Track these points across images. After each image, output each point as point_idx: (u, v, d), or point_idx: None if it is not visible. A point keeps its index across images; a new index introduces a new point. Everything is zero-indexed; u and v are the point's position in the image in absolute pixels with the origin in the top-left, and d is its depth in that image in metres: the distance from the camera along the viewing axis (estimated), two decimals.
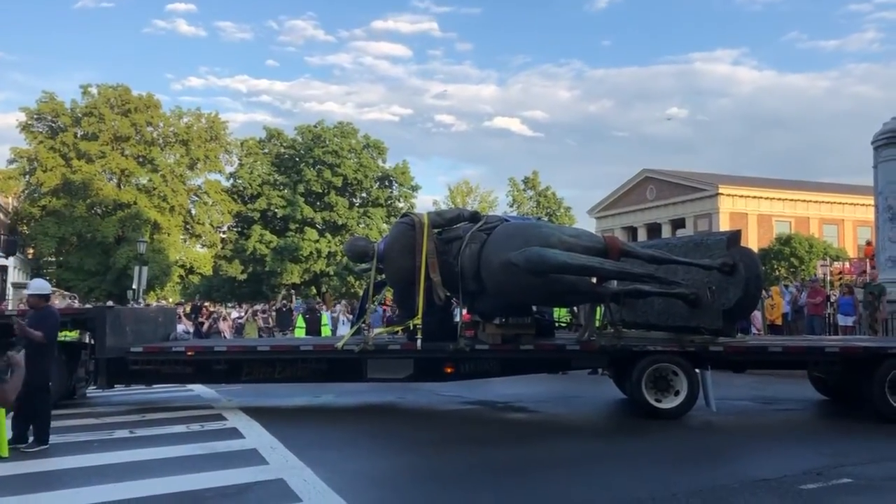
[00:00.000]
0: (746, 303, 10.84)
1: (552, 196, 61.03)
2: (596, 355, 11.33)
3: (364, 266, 12.53)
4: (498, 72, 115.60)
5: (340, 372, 11.58)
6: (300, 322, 19.28)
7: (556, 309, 13.74)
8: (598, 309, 11.79)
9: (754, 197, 49.88)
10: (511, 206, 60.99)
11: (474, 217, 11.89)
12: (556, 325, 13.49)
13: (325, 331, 18.93)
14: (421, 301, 10.99)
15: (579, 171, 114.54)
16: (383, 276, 12.00)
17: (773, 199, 50.44)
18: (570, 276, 10.41)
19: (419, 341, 11.03)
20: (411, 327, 11.27)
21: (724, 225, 48.07)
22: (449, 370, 11.37)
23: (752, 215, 49.55)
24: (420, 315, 11.01)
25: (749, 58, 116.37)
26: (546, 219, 59.13)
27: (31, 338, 8.54)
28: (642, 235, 52.18)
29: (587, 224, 60.23)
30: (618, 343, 10.92)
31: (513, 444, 9.02)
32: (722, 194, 48.77)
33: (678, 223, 51.07)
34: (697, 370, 10.78)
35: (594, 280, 10.90)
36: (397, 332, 12.03)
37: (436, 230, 11.49)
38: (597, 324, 11.67)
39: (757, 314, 18.83)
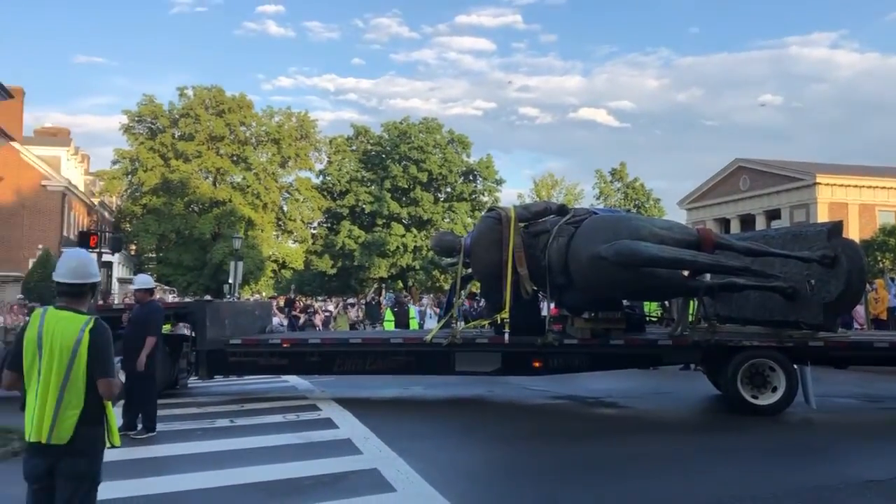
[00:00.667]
0: (849, 296, 10.38)
1: (640, 188, 59.80)
2: (689, 350, 11.09)
3: (451, 260, 12.63)
4: (583, 62, 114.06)
5: (429, 365, 11.72)
6: (388, 315, 19.60)
7: (646, 303, 13.51)
8: (692, 303, 11.52)
9: (855, 186, 47.45)
10: (598, 199, 60.07)
11: (562, 210, 11.81)
12: (647, 319, 13.26)
13: (413, 324, 19.18)
14: (508, 295, 10.99)
15: (668, 161, 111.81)
16: (470, 270, 12.06)
17: (876, 187, 47.86)
18: (661, 270, 10.22)
19: (507, 335, 11.04)
20: (498, 321, 11.30)
21: (823, 216, 45.94)
22: (537, 364, 11.35)
23: (852, 205, 47.17)
24: (507, 309, 11.01)
25: (849, 40, 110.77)
26: (635, 211, 58.03)
27: (146, 352, 8.97)
28: (735, 227, 50.50)
29: (677, 216, 58.78)
30: (712, 338, 10.66)
31: (604, 440, 8.95)
32: (820, 184, 46.61)
33: (773, 214, 49.16)
34: (796, 366, 10.42)
35: (687, 273, 10.66)
36: (485, 325, 12.07)
37: (522, 224, 11.47)
38: (690, 318, 11.41)
39: (859, 308, 17.98)
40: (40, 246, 35.94)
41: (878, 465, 7.31)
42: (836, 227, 10.65)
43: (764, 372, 10.39)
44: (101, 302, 21.67)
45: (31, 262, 33.46)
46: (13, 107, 39.06)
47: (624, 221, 10.88)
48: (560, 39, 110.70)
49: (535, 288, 11.27)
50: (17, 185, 39.37)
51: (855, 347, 10.99)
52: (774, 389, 10.32)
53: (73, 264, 3.94)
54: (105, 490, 6.19)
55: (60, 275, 3.92)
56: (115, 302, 24.73)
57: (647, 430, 9.64)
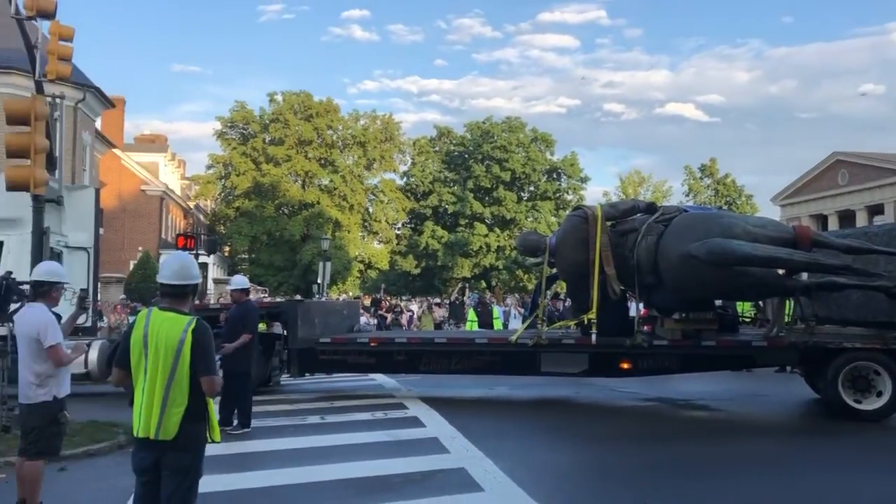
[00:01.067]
0: None
1: (732, 184, 57.96)
2: (785, 352, 10.69)
3: (536, 260, 12.55)
4: (670, 56, 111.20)
5: (514, 365, 11.69)
6: (471, 315, 19.62)
7: (740, 303, 13.09)
8: (787, 303, 11.10)
9: None
10: (687, 196, 58.55)
11: (650, 208, 11.58)
12: (741, 320, 12.85)
13: (497, 324, 19.15)
14: (595, 295, 10.85)
15: (761, 156, 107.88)
16: (555, 270, 11.97)
17: None
18: (756, 269, 9.89)
19: (594, 336, 10.90)
20: (585, 322, 11.17)
21: None
22: (625, 366, 11.16)
23: None
24: (594, 310, 10.87)
25: None
26: (726, 208, 56.30)
27: (236, 345, 9.29)
28: (833, 224, 48.32)
29: (771, 212, 56.61)
30: (810, 339, 10.24)
31: (695, 443, 8.73)
32: None
33: (875, 210, 46.76)
34: None
35: (782, 272, 10.27)
36: (571, 326, 11.95)
37: (609, 222, 11.30)
38: (786, 319, 11.00)
39: None
40: (140, 248, 37.69)
41: None
42: None
43: (868, 375, 9.92)
44: (197, 302, 22.56)
45: (131, 264, 35.15)
46: (115, 116, 41.15)
47: (715, 219, 10.59)
48: (646, 34, 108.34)
49: (623, 288, 11.09)
50: (119, 189, 41.38)
51: None
52: (879, 394, 9.85)
53: (176, 267, 4.12)
54: (202, 484, 6.46)
55: (164, 276, 4.10)
56: (211, 302, 25.67)
57: (740, 434, 9.35)
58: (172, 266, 4.13)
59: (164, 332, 3.93)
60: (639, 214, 11.47)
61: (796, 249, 9.90)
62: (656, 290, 11.01)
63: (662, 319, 11.25)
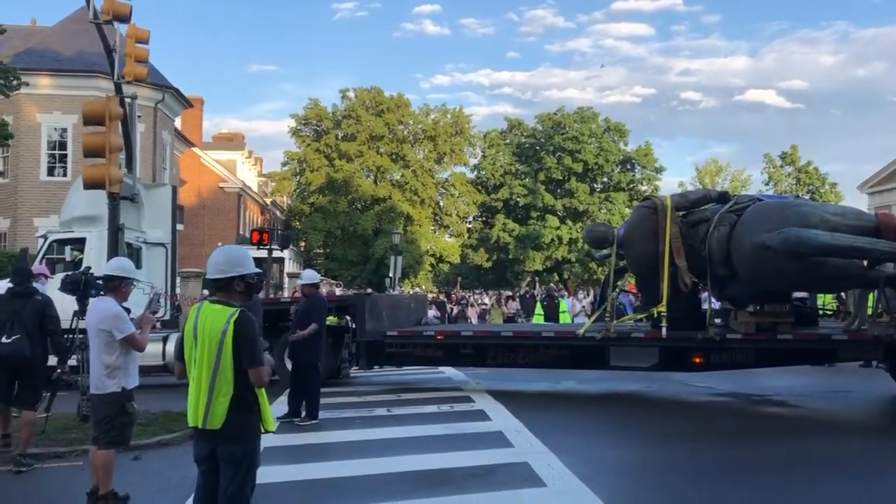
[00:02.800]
0: None
1: (814, 172, 55.70)
2: (868, 346, 10.21)
3: (604, 252, 12.33)
4: (749, 42, 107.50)
5: (582, 359, 11.54)
6: (538, 309, 19.42)
7: (819, 295, 12.57)
8: (871, 295, 10.59)
9: None
10: (767, 185, 56.58)
11: (723, 197, 11.20)
12: (821, 312, 12.33)
13: (564, 317, 18.90)
14: (665, 287, 10.57)
15: (847, 143, 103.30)
16: (624, 262, 11.73)
17: None
18: (835, 259, 9.46)
19: (664, 329, 10.62)
20: (655, 315, 10.90)
21: None
22: (698, 360, 10.87)
23: None
24: (664, 302, 10.60)
25: None
26: (807, 197, 54.20)
27: (305, 334, 9.45)
28: None
29: (858, 202, 54.15)
30: (894, 333, 9.73)
31: (772, 441, 8.40)
32: None
33: None
34: None
35: (865, 263, 9.80)
36: (641, 319, 11.70)
37: (680, 213, 10.99)
38: (868, 311, 10.49)
39: None
40: (219, 243, 38.72)
41: None
42: None
43: None
44: (271, 296, 23.07)
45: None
46: (194, 115, 42.50)
47: (791, 208, 10.17)
48: (724, 19, 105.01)
49: (695, 280, 10.77)
50: (198, 187, 42.70)
51: None
52: None
53: (218, 260, 4.19)
54: (269, 474, 6.61)
55: (208, 271, 4.20)
56: (285, 296, 26.22)
57: (819, 433, 8.97)
58: (212, 260, 4.20)
59: (209, 323, 4.00)
60: (710, 204, 11.13)
61: (880, 238, 9.42)
62: (729, 282, 10.65)
63: (736, 312, 10.88)
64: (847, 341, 10.26)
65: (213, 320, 4.00)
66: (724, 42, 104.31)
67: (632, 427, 9.39)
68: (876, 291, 10.40)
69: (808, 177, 55.10)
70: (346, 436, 8.64)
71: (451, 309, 21.75)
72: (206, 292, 19.68)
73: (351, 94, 50.65)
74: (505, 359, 11.78)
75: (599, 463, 7.34)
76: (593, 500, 5.94)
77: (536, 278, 43.00)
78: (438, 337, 12.14)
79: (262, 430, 4.13)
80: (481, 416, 9.77)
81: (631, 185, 54.01)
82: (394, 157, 50.47)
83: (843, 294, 12.48)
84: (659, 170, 54.95)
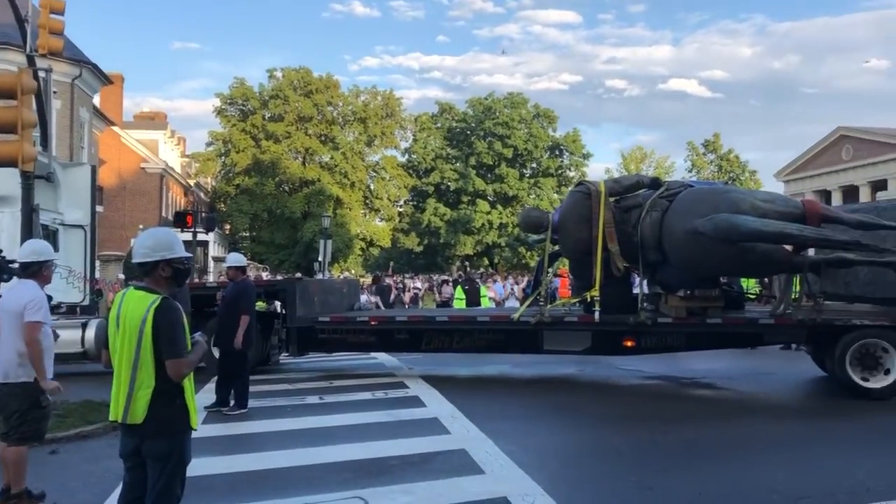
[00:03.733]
0: None
1: (735, 159, 57.54)
2: (792, 330, 10.49)
3: (539, 237, 12.32)
4: (672, 31, 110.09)
5: (517, 343, 11.52)
6: (459, 293, 19.31)
7: (744, 280, 12.88)
8: (795, 280, 10.89)
9: None
10: (690, 172, 58.17)
11: (655, 183, 11.33)
12: (745, 296, 12.64)
13: (485, 302, 18.86)
14: (598, 272, 10.64)
15: (764, 132, 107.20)
16: (558, 246, 11.75)
17: None
18: (763, 245, 9.66)
19: (597, 313, 10.70)
20: (588, 299, 10.97)
21: None
22: (629, 344, 10.98)
23: None
24: (597, 287, 10.66)
25: None
26: (730, 183, 55.85)
27: (240, 332, 9.11)
28: (837, 199, 47.96)
29: (774, 188, 56.22)
30: (818, 317, 10.03)
31: (701, 423, 8.54)
32: None
33: (879, 185, 46.40)
34: None
35: (791, 248, 10.05)
36: (574, 303, 11.76)
37: (613, 198, 11.06)
38: (793, 296, 10.79)
39: None
40: (141, 226, 37.49)
41: None
42: None
43: (876, 353, 9.73)
44: (196, 280, 22.40)
45: (131, 242, 34.93)
46: (114, 93, 40.78)
47: (722, 194, 10.34)
48: (648, 9, 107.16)
49: (627, 265, 10.87)
50: (118, 167, 41.10)
51: None
52: (888, 372, 9.67)
53: (140, 243, 3.91)
54: (197, 467, 6.24)
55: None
56: (210, 280, 25.52)
57: (747, 414, 9.18)
58: (141, 242, 3.91)
59: (130, 311, 3.74)
60: (643, 190, 11.22)
61: (805, 225, 9.66)
62: (661, 267, 10.80)
63: (667, 297, 11.04)
64: (773, 325, 10.50)
65: (134, 308, 3.72)
66: (648, 31, 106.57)
67: (566, 411, 9.42)
68: (800, 276, 10.72)
69: (729, 164, 56.88)
70: (277, 425, 8.39)
71: (396, 293, 21.50)
72: (121, 276, 18.91)
73: (279, 74, 49.61)
74: (440, 344, 11.68)
75: (537, 448, 7.31)
76: (532, 487, 5.89)
77: (467, 263, 43.14)
78: (372, 323, 11.94)
79: (189, 427, 3.87)
80: (416, 402, 9.65)
81: (559, 171, 54.71)
82: (323, 138, 49.72)
83: (766, 279, 12.82)
84: (586, 156, 55.88)
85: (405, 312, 14.85)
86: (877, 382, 9.68)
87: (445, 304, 20.31)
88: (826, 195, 49.49)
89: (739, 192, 10.81)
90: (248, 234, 51.74)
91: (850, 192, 48.26)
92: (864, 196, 45.83)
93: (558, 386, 11.45)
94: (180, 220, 19.74)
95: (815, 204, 10.50)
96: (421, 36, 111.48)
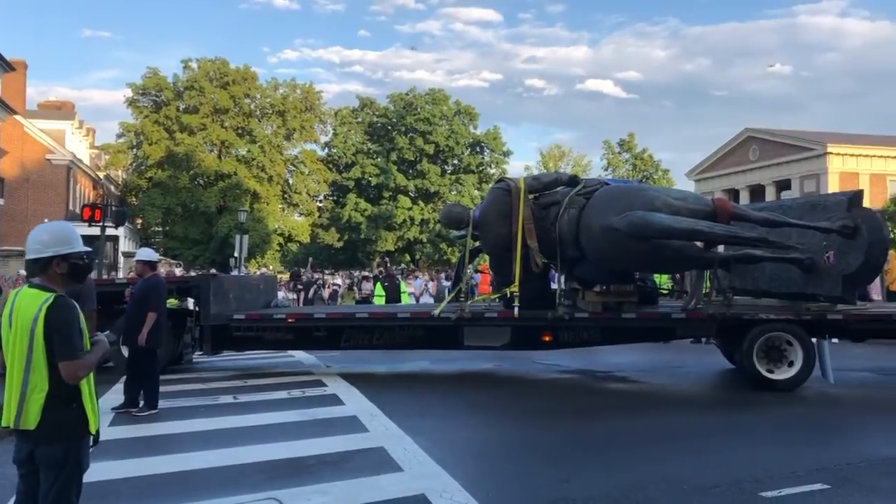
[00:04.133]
0: (869, 268, 10.07)
1: (649, 159, 59.26)
2: (703, 324, 10.82)
3: (460, 233, 12.34)
4: (590, 32, 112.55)
5: (437, 339, 11.50)
6: (379, 290, 19.18)
7: (658, 275, 13.23)
8: (706, 275, 11.23)
9: (866, 156, 46.79)
10: (606, 170, 59.58)
11: (573, 181, 11.49)
12: (658, 292, 12.98)
13: (405, 298, 18.80)
14: (518, 268, 10.72)
15: (677, 132, 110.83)
16: (479, 243, 11.80)
17: (888, 157, 47.19)
18: (676, 242, 9.92)
19: (516, 309, 10.79)
20: (508, 295, 11.04)
21: (833, 186, 45.40)
22: (547, 338, 11.11)
23: (863, 175, 46.55)
24: (517, 282, 10.75)
25: (859, 8, 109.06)
26: (645, 182, 57.38)
27: (146, 330, 8.77)
28: (744, 198, 49.97)
29: (686, 187, 58.13)
30: (727, 311, 10.38)
31: (616, 416, 8.72)
32: (831, 153, 45.97)
33: (783, 185, 48.63)
34: (814, 339, 10.15)
35: (701, 245, 10.37)
36: (494, 299, 11.83)
37: (532, 195, 11.16)
38: (704, 291, 11.14)
39: (876, 281, 17.67)
40: (46, 220, 35.73)
41: None
42: (856, 197, 10.33)
43: (780, 346, 10.14)
44: (104, 277, 21.53)
45: None
46: (16, 80, 38.77)
47: (637, 192, 10.58)
48: (567, 9, 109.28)
49: (546, 261, 11.00)
50: (21, 158, 39.17)
51: (874, 320, 10.68)
52: (791, 364, 10.08)
53: (33, 238, 3.67)
54: (103, 471, 6.07)
55: (26, 251, 3.69)
56: (119, 277, 24.59)
57: (660, 406, 9.43)
58: (33, 237, 3.67)
59: (22, 310, 3.50)
60: (561, 187, 11.36)
61: (716, 222, 9.98)
62: (578, 263, 10.97)
63: (584, 292, 11.22)
64: (685, 319, 10.79)
65: (27, 307, 3.49)
66: (567, 32, 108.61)
67: (486, 406, 9.45)
68: (710, 272, 11.07)
69: (643, 163, 58.51)
70: (188, 426, 8.11)
71: (315, 289, 21.15)
72: (23, 272, 18.02)
73: (194, 65, 48.22)
74: (360, 341, 11.53)
75: (456, 444, 7.30)
76: (450, 483, 5.87)
77: (387, 259, 42.93)
78: (289, 320, 11.69)
79: (86, 432, 3.65)
80: (334, 400, 9.51)
81: (480, 168, 55.09)
82: (240, 131, 48.64)
83: (678, 275, 13.20)
84: (506, 153, 56.45)
85: (324, 309, 14.64)
86: (781, 374, 10.08)
87: (365, 300, 20.11)
88: (734, 194, 51.50)
89: (654, 190, 11.08)
90: (161, 229, 50.18)
91: (757, 192, 50.35)
92: (770, 195, 47.91)
93: (477, 382, 11.50)
94: (88, 214, 18.95)
95: (725, 202, 10.85)
96: (342, 30, 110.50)
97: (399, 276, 20.57)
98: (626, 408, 9.32)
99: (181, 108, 47.58)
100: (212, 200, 45.74)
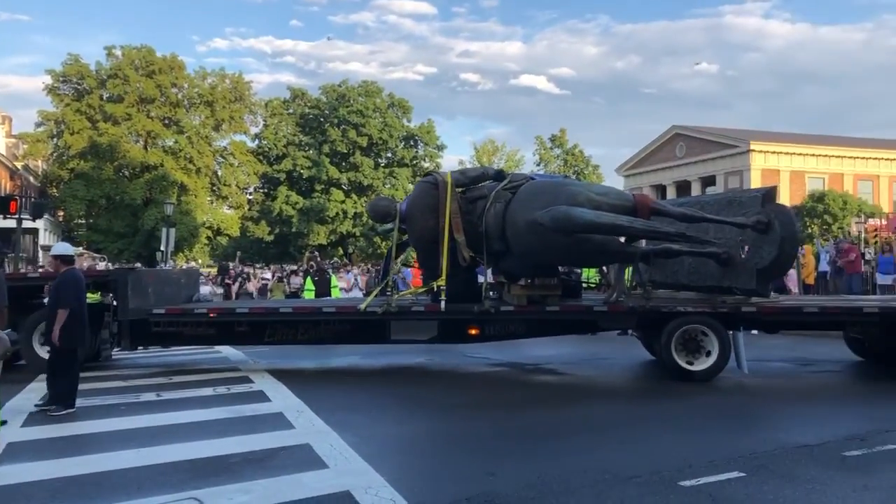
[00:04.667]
0: (781, 262, 10.52)
1: (580, 154, 60.26)
2: (624, 317, 11.06)
3: (387, 227, 12.30)
4: (524, 28, 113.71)
5: (364, 334, 11.42)
6: (309, 284, 19.02)
7: (585, 269, 13.48)
8: (628, 269, 11.49)
9: (787, 153, 48.70)
10: (538, 165, 60.35)
11: (499, 175, 11.56)
12: (585, 285, 13.23)
13: (336, 293, 18.69)
14: (445, 262, 10.76)
15: (607, 129, 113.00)
16: (406, 236, 11.79)
17: (807, 154, 49.21)
18: (598, 236, 10.12)
19: (443, 303, 10.81)
20: (435, 289, 11.06)
21: (756, 182, 47.07)
22: (473, 332, 11.15)
23: (784, 172, 48.44)
24: (444, 276, 10.78)
25: (781, 10, 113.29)
26: (574, 177, 58.34)
27: (58, 327, 8.48)
28: (671, 193, 51.32)
29: (615, 182, 59.41)
30: (646, 304, 10.65)
31: (543, 408, 8.84)
32: (754, 150, 47.65)
33: (708, 181, 50.14)
34: (730, 331, 10.49)
35: (623, 239, 10.59)
36: (421, 293, 11.83)
37: (459, 189, 11.21)
38: (626, 284, 11.39)
39: (793, 273, 18.41)
40: None
41: (811, 430, 7.37)
42: (770, 193, 10.72)
43: (698, 338, 10.42)
44: (21, 271, 20.72)
45: None
46: None
47: (561, 187, 10.72)
48: (501, 4, 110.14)
49: (473, 254, 11.07)
50: None
51: (787, 313, 11.08)
52: (708, 354, 10.36)
53: None
54: (16, 473, 5.88)
55: None
56: (38, 271, 23.65)
57: (586, 397, 9.61)
58: None
59: None
60: (488, 182, 11.44)
61: (636, 217, 10.20)
62: (504, 257, 11.06)
63: (509, 285, 11.34)
64: (606, 312, 11.02)
65: None
66: (501, 27, 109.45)
67: (413, 400, 9.46)
68: (632, 266, 11.32)
69: (574, 159, 59.47)
70: (107, 425, 7.86)
71: (229, 285, 20.76)
72: None
73: (118, 52, 46.76)
74: (284, 336, 11.37)
75: (383, 439, 7.29)
76: (375, 479, 5.86)
77: (316, 253, 42.52)
78: (211, 315, 11.44)
79: None
80: (260, 396, 9.37)
81: (414, 162, 55.07)
82: (167, 121, 47.39)
83: (604, 268, 13.47)
84: (440, 147, 56.55)
85: (246, 304, 14.36)
86: (699, 365, 10.37)
87: (295, 294, 19.90)
88: (661, 189, 52.84)
89: (577, 185, 11.24)
90: (84, 222, 48.49)
91: (684, 187, 51.77)
92: (696, 191, 49.35)
93: (406, 376, 11.51)
94: (3, 206, 18.19)
95: (645, 198, 11.10)
96: (273, 19, 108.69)
97: (330, 271, 20.38)
98: (553, 399, 9.47)
99: (105, 97, 46.07)
100: (137, 192, 44.48)
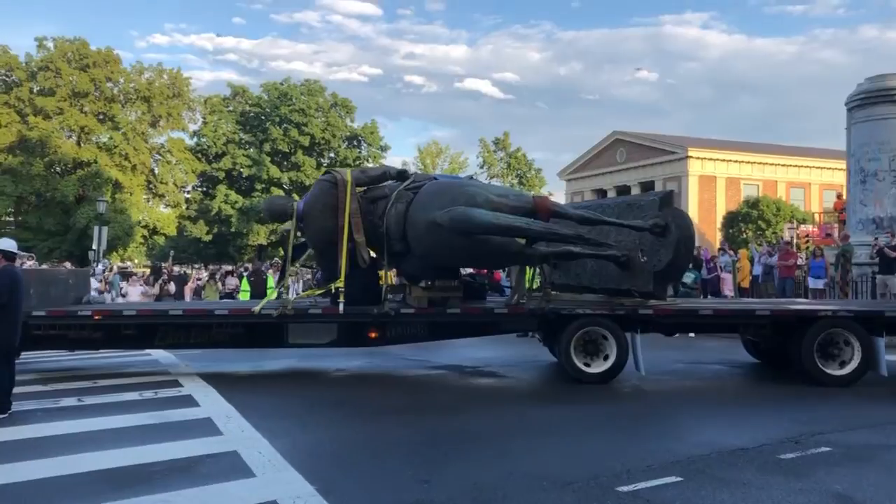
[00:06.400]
0: (677, 265, 10.63)
1: (523, 158, 60.69)
2: (525, 319, 10.85)
3: (286, 227, 11.89)
4: (469, 32, 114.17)
5: (260, 337, 11.02)
6: (244, 285, 18.50)
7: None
8: (528, 271, 11.43)
9: (723, 160, 49.87)
10: (481, 168, 60.59)
11: (401, 175, 11.30)
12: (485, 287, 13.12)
13: (271, 294, 18.23)
14: (344, 263, 10.46)
15: (550, 133, 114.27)
16: (304, 236, 11.45)
17: (742, 161, 50.48)
18: (497, 238, 10.06)
19: (341, 305, 10.50)
20: (333, 290, 10.68)
21: (693, 188, 48.10)
22: (373, 335, 10.83)
23: (721, 178, 49.58)
24: (343, 278, 10.48)
25: (718, 21, 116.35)
26: (516, 181, 58.76)
27: None
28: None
29: (558, 186, 60.05)
30: (546, 306, 10.58)
31: (482, 412, 8.69)
32: (691, 157, 48.66)
33: (648, 186, 50.95)
34: (628, 334, 10.42)
35: (523, 241, 10.54)
36: (319, 295, 11.45)
37: (360, 188, 10.95)
38: (530, 286, 11.35)
39: (727, 277, 18.75)
40: None
41: (747, 433, 7.37)
42: (667, 197, 10.89)
43: (597, 340, 10.38)
44: None
45: None
46: None
47: (460, 188, 10.55)
48: (446, 8, 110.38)
49: (373, 255, 10.86)
50: None
51: (682, 315, 11.05)
52: (606, 357, 10.31)
53: None
54: None
55: None
56: None
57: (523, 401, 9.51)
58: None
59: None
60: (390, 181, 11.21)
61: (535, 219, 10.17)
62: (405, 258, 10.90)
63: (410, 287, 11.14)
64: (507, 314, 10.88)
65: None
66: (445, 30, 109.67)
67: (348, 405, 9.21)
68: (534, 268, 11.31)
69: (517, 162, 59.88)
70: (20, 432, 7.43)
71: (162, 284, 20.13)
72: None
73: (50, 44, 45.24)
74: (176, 339, 10.85)
75: (315, 446, 7.05)
76: (305, 488, 5.64)
77: (260, 262, 41.89)
78: (95, 317, 10.85)
79: None
80: (189, 401, 9.02)
81: (357, 162, 54.68)
82: (101, 117, 46.00)
83: (504, 270, 13.37)
84: (384, 148, 56.30)
85: (135, 306, 13.71)
86: (597, 367, 10.30)
87: (230, 295, 19.40)
88: (603, 194, 53.52)
89: (476, 187, 10.98)
90: (12, 219, 46.71)
91: (624, 192, 52.50)
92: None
93: (343, 380, 11.24)
94: None
95: (545, 200, 11.01)
96: (215, 16, 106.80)
97: (267, 271, 19.89)
98: (491, 403, 9.35)
99: (35, 90, 44.46)
100: (69, 189, 43.04)
